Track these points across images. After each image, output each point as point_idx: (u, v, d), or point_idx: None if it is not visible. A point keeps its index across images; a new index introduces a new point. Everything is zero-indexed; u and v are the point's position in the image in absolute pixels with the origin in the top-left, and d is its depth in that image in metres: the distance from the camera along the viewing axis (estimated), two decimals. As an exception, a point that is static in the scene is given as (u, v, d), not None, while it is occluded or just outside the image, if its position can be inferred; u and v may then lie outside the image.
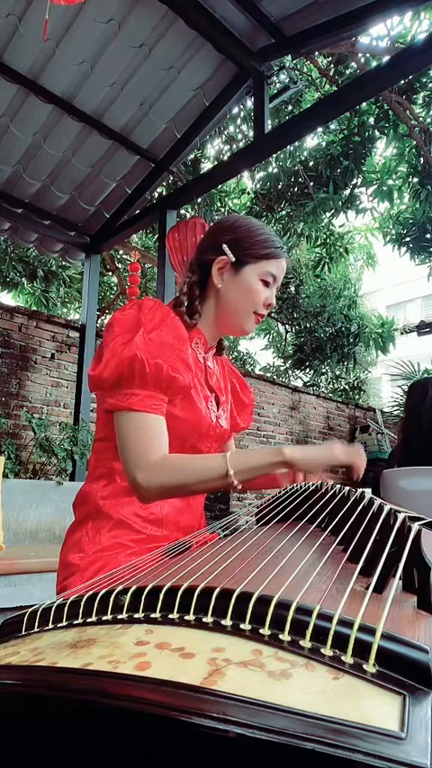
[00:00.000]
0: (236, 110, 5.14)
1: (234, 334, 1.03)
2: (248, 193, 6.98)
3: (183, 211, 5.78)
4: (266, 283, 0.98)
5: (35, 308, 6.55)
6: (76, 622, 0.40)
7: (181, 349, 0.87)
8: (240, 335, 1.05)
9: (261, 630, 0.32)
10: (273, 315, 8.31)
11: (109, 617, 0.39)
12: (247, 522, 0.78)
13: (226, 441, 1.09)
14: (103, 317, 7.03)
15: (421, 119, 5.29)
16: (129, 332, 0.84)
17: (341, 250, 6.88)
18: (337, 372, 8.51)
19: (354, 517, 0.55)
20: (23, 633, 0.42)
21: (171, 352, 0.85)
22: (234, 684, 0.27)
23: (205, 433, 0.95)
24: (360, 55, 5.01)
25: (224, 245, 0.96)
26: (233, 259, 0.96)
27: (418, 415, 1.87)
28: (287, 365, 8.56)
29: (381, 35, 4.94)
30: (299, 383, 8.33)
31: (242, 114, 5.96)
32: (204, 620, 0.35)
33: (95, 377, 0.84)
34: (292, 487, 0.84)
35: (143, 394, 0.82)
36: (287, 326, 8.24)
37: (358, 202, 6.13)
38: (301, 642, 0.31)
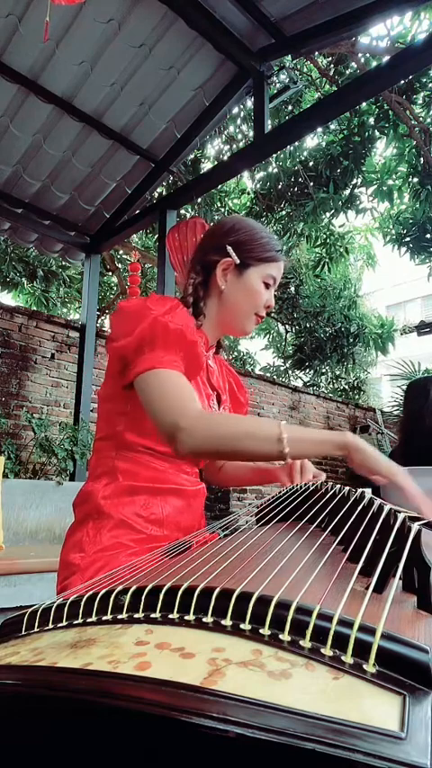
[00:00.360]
0: (236, 110, 5.13)
1: (234, 334, 1.04)
2: (248, 193, 6.99)
3: (183, 211, 5.78)
4: (267, 285, 0.99)
5: (35, 308, 6.55)
6: (76, 622, 0.40)
7: (193, 334, 0.87)
8: (240, 336, 1.07)
9: (261, 630, 0.32)
10: (273, 315, 8.31)
11: (109, 617, 0.39)
12: (247, 522, 0.78)
13: None
14: (103, 317, 7.03)
15: (421, 119, 5.29)
16: (141, 311, 0.84)
17: (341, 250, 6.88)
18: (337, 372, 8.51)
19: (354, 517, 0.55)
20: (23, 633, 0.42)
21: (188, 326, 0.85)
22: (234, 684, 0.27)
23: None
24: (360, 55, 5.01)
25: (228, 247, 0.97)
26: (237, 261, 0.97)
27: (419, 416, 1.87)
28: (287, 365, 8.56)
29: (381, 35, 4.95)
30: (299, 383, 8.34)
31: (242, 114, 5.96)
32: (204, 620, 0.35)
33: (117, 347, 0.83)
34: (292, 487, 0.84)
35: (166, 355, 0.81)
36: (287, 326, 8.24)
37: (358, 202, 6.13)
38: (301, 642, 0.31)
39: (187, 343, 0.83)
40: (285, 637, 0.32)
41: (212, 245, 1.00)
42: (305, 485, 0.84)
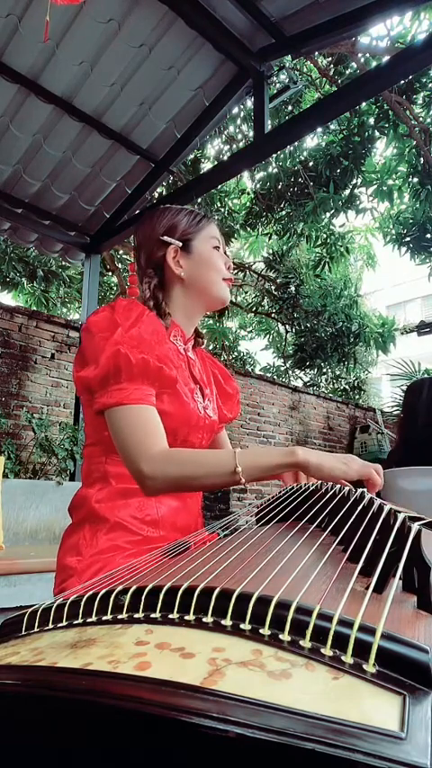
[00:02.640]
0: (236, 110, 5.14)
1: (214, 308, 1.04)
2: (248, 193, 6.98)
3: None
4: (217, 248, 1.01)
5: (35, 308, 6.55)
6: (76, 622, 0.40)
7: (161, 343, 0.88)
8: (221, 306, 1.05)
9: (261, 630, 0.32)
10: (273, 315, 8.31)
11: (109, 617, 0.39)
12: (247, 522, 0.78)
13: (216, 432, 1.09)
14: (103, 317, 7.01)
15: (421, 119, 5.29)
16: (106, 331, 0.85)
17: (341, 250, 6.88)
18: (338, 372, 8.51)
19: (354, 517, 0.55)
20: (23, 633, 0.42)
21: (153, 346, 0.85)
22: (234, 684, 0.27)
23: (195, 425, 0.95)
24: (360, 55, 5.01)
25: (164, 237, 0.98)
26: (180, 244, 0.98)
27: (413, 415, 1.88)
28: (287, 365, 8.56)
29: (381, 35, 4.95)
30: (299, 383, 8.33)
31: (242, 114, 5.96)
32: (204, 620, 0.35)
33: (83, 378, 0.84)
34: (292, 487, 0.84)
35: (131, 387, 0.82)
36: (287, 326, 8.23)
37: (358, 202, 6.13)
38: (301, 642, 0.31)
39: (152, 369, 0.83)
40: (285, 637, 0.32)
41: (150, 245, 1.00)
42: (305, 485, 0.84)
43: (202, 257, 0.99)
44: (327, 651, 0.30)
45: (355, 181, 5.83)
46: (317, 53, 4.85)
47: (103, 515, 0.86)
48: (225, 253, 1.04)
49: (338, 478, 0.82)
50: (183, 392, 0.92)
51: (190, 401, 0.94)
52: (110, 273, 7.56)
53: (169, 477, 0.79)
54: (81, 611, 0.41)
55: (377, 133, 5.49)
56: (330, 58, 5.35)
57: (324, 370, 8.22)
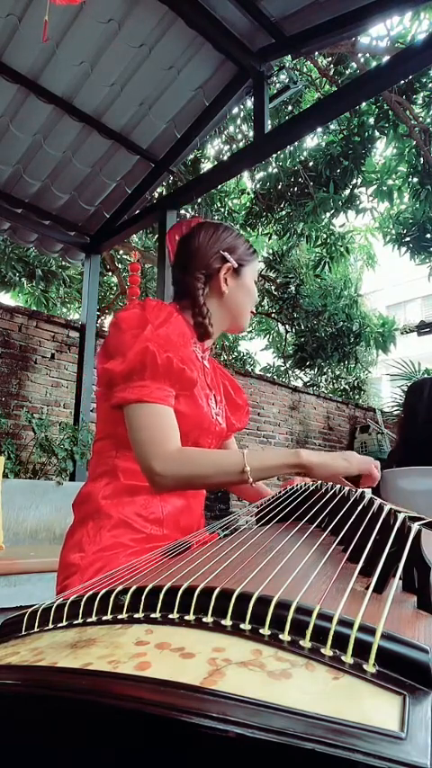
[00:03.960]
0: (236, 110, 5.13)
1: (234, 331, 1.12)
2: (248, 193, 6.98)
3: (183, 211, 5.78)
4: (256, 282, 1.09)
5: (35, 308, 6.55)
6: (76, 622, 0.40)
7: (186, 345, 0.90)
8: (239, 332, 1.15)
9: (261, 630, 0.32)
10: (273, 315, 8.31)
11: (109, 617, 0.39)
12: (247, 522, 0.78)
13: (225, 439, 1.11)
14: (103, 317, 7.03)
15: (421, 119, 5.29)
16: (137, 328, 0.86)
17: (341, 250, 6.88)
18: (338, 372, 8.51)
19: (354, 517, 0.55)
20: (23, 633, 0.42)
21: (178, 347, 0.88)
22: (234, 684, 0.27)
23: (206, 429, 0.97)
24: (360, 55, 5.01)
25: (224, 253, 1.03)
26: (236, 265, 1.03)
27: (413, 415, 1.89)
28: (287, 365, 8.56)
29: (381, 35, 4.94)
30: (299, 383, 8.33)
31: (242, 114, 5.96)
32: (204, 620, 0.35)
33: (109, 371, 0.85)
34: (292, 488, 0.84)
35: (154, 386, 0.84)
36: (287, 326, 8.23)
37: (358, 202, 6.13)
38: (301, 642, 0.31)
39: (175, 370, 0.85)
40: (285, 637, 0.32)
41: (210, 254, 1.03)
42: (305, 485, 0.85)
43: (246, 285, 1.05)
44: (327, 651, 0.30)
45: (355, 181, 5.83)
46: (317, 53, 4.85)
47: (107, 512, 0.87)
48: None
49: (341, 475, 0.85)
50: (199, 396, 0.94)
51: (204, 405, 0.96)
52: (110, 273, 7.56)
53: (179, 476, 0.81)
54: (81, 611, 0.41)
55: (377, 133, 5.49)
56: (330, 58, 5.35)
57: (324, 370, 8.22)
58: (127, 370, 0.83)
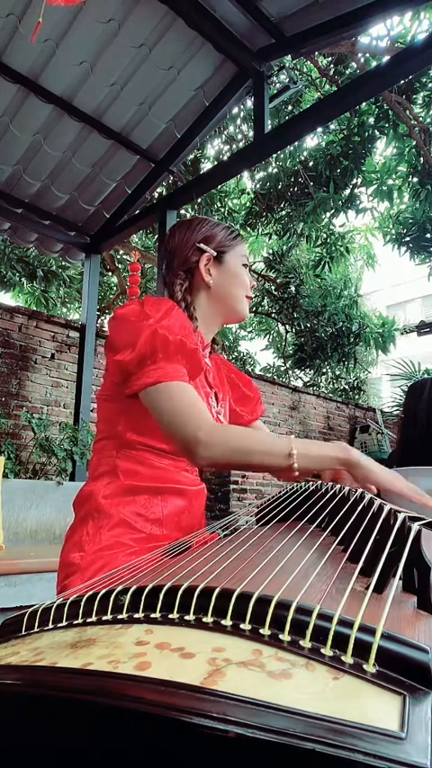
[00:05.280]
0: (236, 110, 5.13)
1: (233, 321, 1.08)
2: (248, 193, 6.99)
3: (183, 211, 5.78)
4: (245, 266, 1.05)
5: (35, 308, 6.55)
6: (76, 622, 0.40)
7: (189, 336, 0.88)
8: (239, 321, 1.11)
9: (261, 630, 0.32)
10: (273, 315, 8.31)
11: (109, 617, 0.39)
12: (247, 522, 0.78)
13: (244, 420, 1.13)
14: (103, 317, 7.03)
15: (421, 119, 5.29)
16: (139, 319, 0.85)
17: (341, 250, 6.88)
18: (338, 372, 8.51)
19: (354, 517, 0.55)
20: (23, 633, 0.42)
21: (185, 335, 0.86)
22: (234, 684, 0.27)
23: None
24: (360, 55, 5.01)
25: (200, 245, 1.01)
26: (214, 253, 1.02)
27: (414, 414, 1.88)
28: (287, 365, 8.56)
29: (381, 35, 4.95)
30: (299, 383, 8.33)
31: (242, 114, 5.96)
32: (204, 620, 0.35)
33: (118, 361, 0.84)
34: (292, 487, 0.84)
35: (169, 366, 0.82)
36: (287, 326, 8.24)
37: (358, 202, 6.13)
38: (301, 642, 0.31)
39: (188, 351, 0.84)
40: (285, 637, 0.32)
41: (185, 249, 1.03)
42: (305, 485, 0.84)
43: (232, 270, 1.03)
44: (327, 651, 0.30)
45: (355, 181, 5.83)
46: (317, 53, 4.85)
47: (108, 511, 0.86)
48: (250, 272, 1.08)
49: (382, 487, 0.82)
50: (199, 393, 0.93)
51: (205, 402, 0.95)
52: (110, 273, 7.57)
53: (228, 447, 0.78)
54: (81, 611, 0.41)
55: (377, 133, 5.49)
56: (330, 58, 5.35)
57: (324, 370, 8.22)
58: (138, 357, 0.82)
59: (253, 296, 1.09)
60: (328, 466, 0.83)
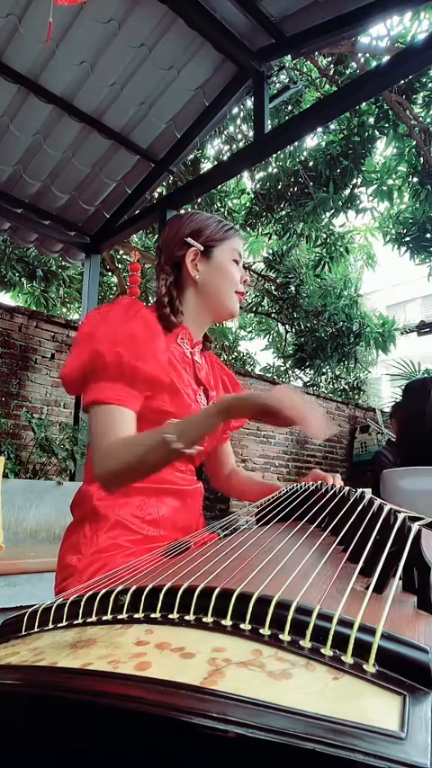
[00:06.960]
0: (236, 110, 5.13)
1: (223, 318, 1.05)
2: (248, 193, 6.99)
3: (183, 211, 5.78)
4: (236, 261, 1.02)
5: (35, 308, 6.55)
6: (76, 622, 0.40)
7: (151, 341, 0.86)
8: (229, 318, 1.07)
9: (261, 630, 0.32)
10: (273, 315, 8.31)
11: (109, 617, 0.39)
12: (247, 522, 0.78)
13: (220, 441, 1.10)
14: (103, 317, 7.00)
15: (421, 119, 5.29)
16: (94, 327, 0.85)
17: (341, 250, 6.88)
18: (338, 372, 8.51)
19: (354, 517, 0.55)
20: (23, 633, 0.42)
21: (138, 343, 0.84)
22: (234, 684, 0.27)
23: None
24: (360, 55, 5.01)
25: (188, 239, 0.99)
26: (201, 248, 0.99)
27: (421, 415, 1.87)
28: (287, 365, 8.56)
29: (381, 35, 4.95)
30: (299, 383, 8.33)
31: (242, 114, 5.96)
32: (204, 620, 0.35)
33: (63, 377, 0.86)
34: (292, 487, 0.84)
35: (106, 386, 0.82)
36: (287, 326, 8.24)
37: (358, 202, 6.13)
38: (301, 642, 0.31)
39: (127, 368, 0.82)
40: (285, 637, 0.32)
41: (172, 244, 1.01)
42: (305, 485, 0.84)
43: (220, 266, 1.00)
44: (327, 651, 0.30)
45: (355, 181, 5.83)
46: (317, 53, 4.85)
47: (103, 513, 0.86)
48: (243, 268, 1.05)
49: (261, 408, 0.75)
50: (185, 393, 0.93)
51: (192, 402, 0.94)
52: (110, 273, 7.56)
53: (109, 472, 0.78)
54: (81, 612, 0.41)
55: (377, 133, 5.49)
56: (330, 58, 5.35)
57: (324, 370, 8.22)
58: (81, 375, 0.84)
59: (245, 291, 1.06)
60: (215, 424, 0.78)
